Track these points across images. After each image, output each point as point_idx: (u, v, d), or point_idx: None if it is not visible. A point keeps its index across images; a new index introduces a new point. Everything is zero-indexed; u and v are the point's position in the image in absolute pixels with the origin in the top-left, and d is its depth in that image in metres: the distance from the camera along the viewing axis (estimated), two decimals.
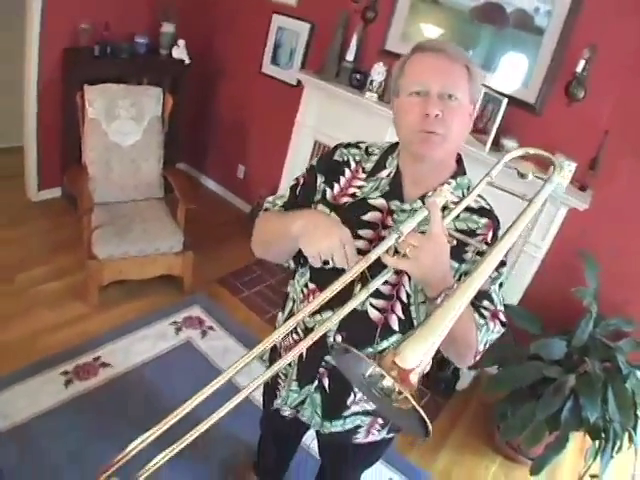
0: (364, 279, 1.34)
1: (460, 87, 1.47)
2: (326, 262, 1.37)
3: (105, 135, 4.11)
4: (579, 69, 3.34)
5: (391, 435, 2.10)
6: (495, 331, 1.54)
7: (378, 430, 2.00)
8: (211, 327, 4.06)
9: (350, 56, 4.27)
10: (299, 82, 4.72)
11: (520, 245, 3.64)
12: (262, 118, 5.41)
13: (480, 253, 1.51)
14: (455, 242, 1.36)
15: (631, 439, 3.06)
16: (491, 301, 1.54)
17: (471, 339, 1.47)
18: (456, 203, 1.52)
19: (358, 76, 4.18)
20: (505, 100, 3.52)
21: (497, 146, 3.57)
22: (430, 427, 1.04)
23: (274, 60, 5.04)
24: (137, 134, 4.23)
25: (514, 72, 3.67)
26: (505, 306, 3.38)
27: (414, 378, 1.04)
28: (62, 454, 2.89)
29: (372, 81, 4.04)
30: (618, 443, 3.06)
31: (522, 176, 1.57)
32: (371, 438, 2.03)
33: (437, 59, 1.46)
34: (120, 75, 4.43)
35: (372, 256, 1.25)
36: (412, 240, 1.26)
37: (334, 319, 1.22)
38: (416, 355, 1.07)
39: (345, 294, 1.27)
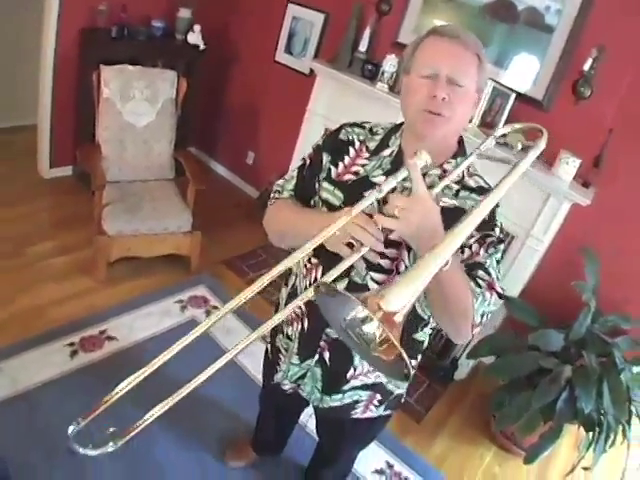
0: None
1: (469, 74, 1.51)
2: (351, 245, 1.39)
3: (119, 115, 4.16)
4: (586, 68, 3.38)
5: (388, 412, 2.14)
6: (492, 303, 1.55)
7: (376, 406, 2.04)
8: (216, 307, 4.10)
9: (363, 47, 4.31)
10: (311, 71, 4.76)
11: (523, 238, 3.68)
12: (273, 106, 5.46)
13: (478, 228, 1.55)
14: (441, 203, 1.46)
15: (624, 434, 3.10)
16: (487, 272, 1.54)
17: (467, 305, 1.47)
18: (459, 182, 1.59)
19: (370, 67, 4.22)
20: (513, 95, 3.57)
21: (505, 143, 3.61)
22: (411, 370, 1.09)
23: (288, 49, 5.09)
24: (151, 115, 4.29)
25: (524, 68, 3.71)
26: (506, 297, 3.45)
27: (398, 319, 1.07)
28: (65, 422, 2.94)
29: (383, 72, 4.07)
30: (612, 437, 3.09)
31: (511, 147, 1.65)
32: (369, 414, 2.07)
33: (451, 44, 1.50)
34: (135, 57, 4.48)
35: (353, 212, 1.32)
36: (398, 202, 1.29)
37: (332, 274, 1.29)
38: (399, 299, 1.09)
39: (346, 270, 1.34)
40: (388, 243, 1.40)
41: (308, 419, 2.95)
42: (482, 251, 1.55)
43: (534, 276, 3.84)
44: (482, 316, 1.54)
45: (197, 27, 5.12)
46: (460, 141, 1.70)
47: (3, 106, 5.68)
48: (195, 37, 5.13)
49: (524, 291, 3.84)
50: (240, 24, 5.49)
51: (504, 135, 1.73)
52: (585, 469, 3.14)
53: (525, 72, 3.70)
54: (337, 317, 1.23)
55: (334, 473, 2.79)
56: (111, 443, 1.13)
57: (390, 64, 4.05)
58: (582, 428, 3.21)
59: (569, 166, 3.41)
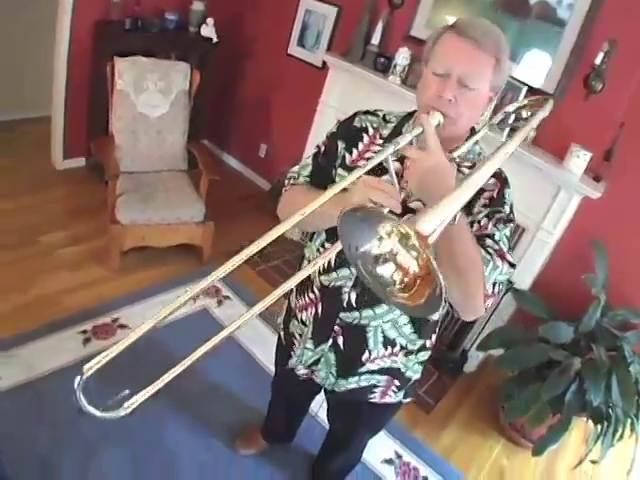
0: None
1: (482, 77, 1.50)
2: None
3: (133, 106, 4.19)
4: (598, 61, 3.37)
5: (408, 400, 2.17)
6: (504, 272, 1.54)
7: (394, 392, 2.07)
8: (227, 297, 4.16)
9: (375, 40, 4.32)
10: (324, 64, 4.78)
11: (533, 230, 3.70)
12: (286, 98, 5.48)
13: (485, 205, 1.59)
14: (457, 159, 1.52)
15: (633, 427, 3.11)
16: (495, 242, 1.55)
17: (478, 269, 1.46)
18: (471, 167, 1.61)
19: (382, 60, 4.23)
20: (525, 89, 3.59)
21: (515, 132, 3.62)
22: (444, 292, 1.05)
23: (300, 42, 5.11)
24: (164, 107, 4.32)
25: (536, 62, 3.71)
26: (515, 290, 3.46)
27: (431, 240, 1.07)
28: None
29: (396, 65, 4.08)
30: (620, 430, 3.10)
31: (520, 115, 1.71)
32: (387, 399, 2.10)
33: (466, 45, 1.47)
34: (149, 49, 4.50)
35: (373, 162, 1.35)
36: (410, 153, 1.35)
37: None
38: (431, 223, 1.09)
39: None
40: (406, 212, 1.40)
41: (319, 408, 2.98)
42: (490, 225, 1.56)
43: (545, 269, 3.86)
44: (494, 285, 1.54)
45: (210, 20, 5.14)
46: (472, 128, 1.70)
47: (17, 98, 5.72)
48: (208, 30, 5.16)
49: (534, 284, 3.86)
50: (253, 17, 5.52)
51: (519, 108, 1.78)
52: (593, 462, 3.15)
53: (537, 66, 3.70)
54: (359, 247, 1.23)
55: (344, 461, 2.81)
56: (124, 406, 1.13)
57: (402, 57, 4.05)
58: (591, 422, 3.23)
59: (580, 159, 3.42)
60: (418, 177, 1.35)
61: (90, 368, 1.11)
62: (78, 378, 1.11)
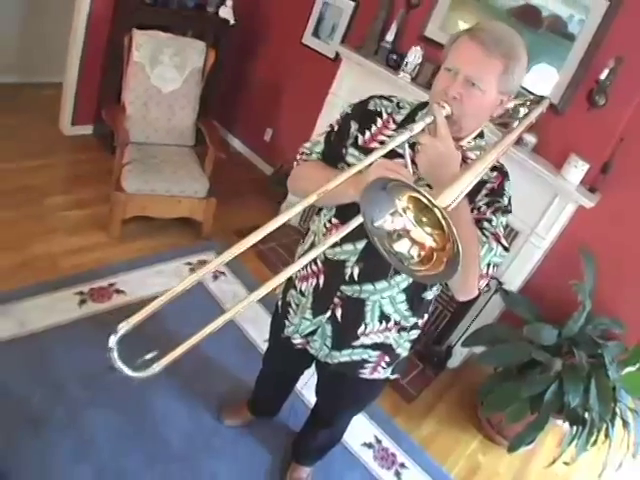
0: None
1: (488, 80, 1.58)
2: None
3: (147, 79, 4.25)
4: (603, 77, 3.44)
5: (395, 376, 2.25)
6: (498, 254, 1.63)
7: (384, 368, 2.15)
8: (223, 272, 4.22)
9: (390, 37, 4.38)
10: (336, 56, 4.85)
11: (527, 234, 3.78)
12: (296, 86, 5.54)
13: (486, 195, 1.70)
14: (463, 147, 1.66)
15: (607, 433, 3.18)
16: (492, 225, 1.65)
17: (475, 250, 1.55)
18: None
19: (395, 56, 4.28)
20: (530, 97, 3.66)
21: (519, 140, 3.69)
22: (460, 253, 1.17)
23: (315, 32, 5.17)
24: (177, 82, 4.37)
25: (543, 73, 3.78)
26: (504, 291, 3.52)
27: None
28: (69, 367, 3.09)
29: (407, 63, 4.14)
30: (595, 433, 3.17)
31: (517, 112, 1.82)
32: (376, 375, 2.17)
33: (475, 49, 1.57)
34: (166, 25, 4.56)
35: (388, 147, 1.46)
36: (423, 139, 1.46)
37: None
38: (449, 196, 1.23)
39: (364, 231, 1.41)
40: None
41: (304, 386, 3.05)
42: (489, 212, 1.66)
43: (535, 273, 3.94)
44: (488, 266, 1.63)
45: (229, 2, 5.18)
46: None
47: (35, 62, 5.81)
48: (226, 12, 5.20)
49: (524, 287, 3.95)
50: (271, 4, 5.58)
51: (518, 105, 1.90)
52: (566, 464, 3.22)
53: (544, 76, 3.76)
54: (373, 221, 1.34)
55: (326, 438, 2.87)
56: (155, 365, 1.21)
57: (415, 56, 4.11)
58: (567, 427, 3.30)
59: (577, 170, 3.49)
60: (428, 161, 1.46)
61: (123, 327, 1.21)
62: (113, 336, 1.19)
